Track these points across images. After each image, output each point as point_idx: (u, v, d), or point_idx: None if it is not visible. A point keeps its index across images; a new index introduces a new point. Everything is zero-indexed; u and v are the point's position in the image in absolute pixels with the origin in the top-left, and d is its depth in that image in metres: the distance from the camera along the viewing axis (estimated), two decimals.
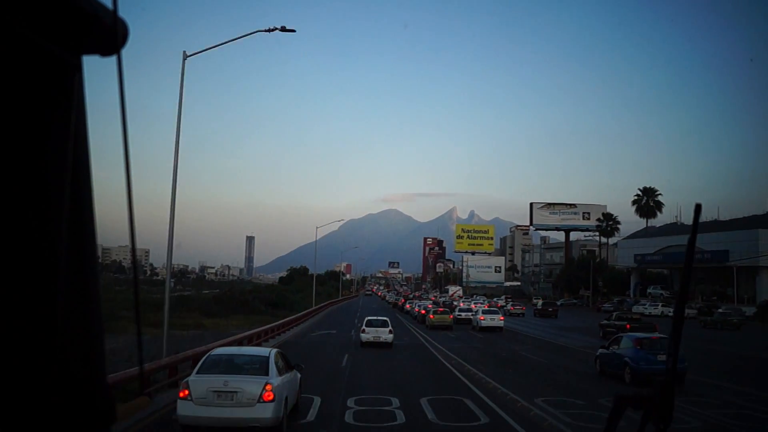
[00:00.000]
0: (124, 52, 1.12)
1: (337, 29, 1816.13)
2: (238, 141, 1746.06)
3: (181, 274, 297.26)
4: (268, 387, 11.77)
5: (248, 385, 11.85)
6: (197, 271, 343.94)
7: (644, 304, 69.04)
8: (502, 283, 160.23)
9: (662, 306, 65.95)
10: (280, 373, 12.81)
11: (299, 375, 14.72)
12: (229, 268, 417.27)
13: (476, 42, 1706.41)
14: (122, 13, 1.11)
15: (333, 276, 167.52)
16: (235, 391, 11.72)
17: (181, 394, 11.90)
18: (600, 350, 23.68)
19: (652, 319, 48.03)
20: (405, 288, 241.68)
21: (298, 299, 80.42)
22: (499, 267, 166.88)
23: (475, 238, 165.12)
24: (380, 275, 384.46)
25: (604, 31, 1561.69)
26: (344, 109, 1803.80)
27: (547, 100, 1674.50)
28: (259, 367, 12.60)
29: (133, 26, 1.15)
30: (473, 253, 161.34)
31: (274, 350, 14.13)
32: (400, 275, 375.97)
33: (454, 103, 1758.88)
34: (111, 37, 1.10)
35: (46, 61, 1.05)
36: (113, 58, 1.11)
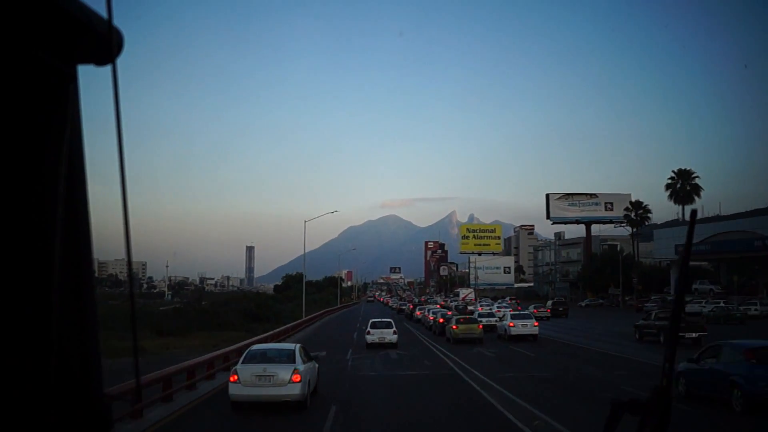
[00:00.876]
0: (119, 61, 1.10)
1: (334, 38, 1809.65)
2: (236, 151, 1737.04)
3: (179, 286, 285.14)
4: (296, 372, 15.19)
5: (281, 370, 15.25)
6: (197, 282, 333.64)
7: (700, 302, 57.04)
8: (512, 284, 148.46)
9: (723, 303, 53.85)
10: (304, 362, 16.20)
11: (317, 365, 17.99)
12: (228, 278, 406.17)
13: (472, 46, 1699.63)
14: (117, 22, 1.08)
15: (332, 282, 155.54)
16: (272, 375, 15.20)
17: (232, 379, 15.43)
18: (685, 364, 17.05)
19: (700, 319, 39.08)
20: (408, 293, 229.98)
21: (288, 309, 68.54)
22: (509, 268, 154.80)
23: (481, 237, 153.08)
24: (382, 281, 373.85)
25: (602, 33, 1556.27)
26: (341, 117, 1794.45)
27: (545, 101, 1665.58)
28: (288, 357, 16.10)
29: (128, 35, 1.14)
30: (480, 254, 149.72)
31: (298, 345, 17.91)
32: (402, 280, 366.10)
33: (450, 106, 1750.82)
34: (106, 47, 1.07)
35: (40, 70, 1.03)
36: (108, 68, 1.09)
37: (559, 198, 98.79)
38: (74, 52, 1.08)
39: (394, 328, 33.74)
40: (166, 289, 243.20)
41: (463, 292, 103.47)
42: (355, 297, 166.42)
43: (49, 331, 1.05)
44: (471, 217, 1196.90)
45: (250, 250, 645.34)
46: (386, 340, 32.45)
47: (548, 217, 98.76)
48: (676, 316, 1.91)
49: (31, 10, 0.97)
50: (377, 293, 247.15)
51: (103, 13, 1.06)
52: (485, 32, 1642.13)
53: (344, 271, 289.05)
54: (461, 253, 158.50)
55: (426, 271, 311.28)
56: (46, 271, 1.05)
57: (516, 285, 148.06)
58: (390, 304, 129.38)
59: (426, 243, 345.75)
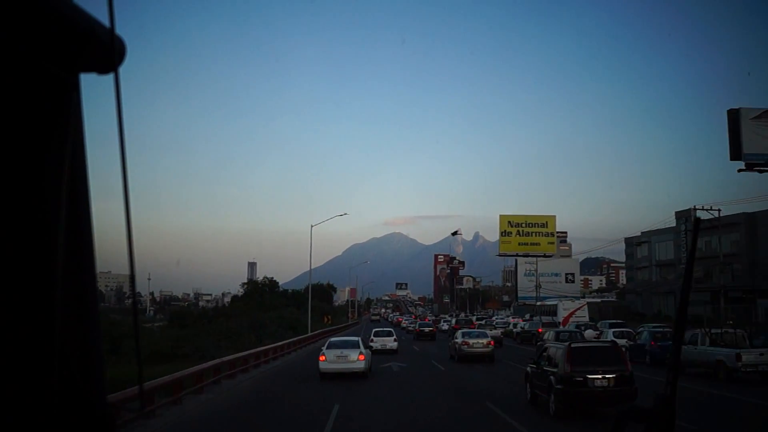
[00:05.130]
0: (121, 70, 1.06)
1: (336, 54, 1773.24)
2: (238, 167, 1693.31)
3: (165, 302, 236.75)
4: (361, 353, 23.27)
5: (352, 353, 23.21)
6: (192, 298, 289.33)
7: None
8: (577, 296, 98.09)
9: None
10: (364, 347, 24.39)
11: (370, 352, 25.96)
12: (223, 295, 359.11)
13: (475, 60, 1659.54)
14: (119, 30, 1.04)
15: (318, 293, 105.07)
16: (346, 356, 23.04)
17: (321, 359, 23.29)
18: None
19: None
20: (422, 310, 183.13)
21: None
22: (572, 275, 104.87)
23: (528, 234, 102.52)
24: (387, 298, 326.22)
25: (608, 46, 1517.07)
26: (343, 134, 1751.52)
27: (550, 116, 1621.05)
28: (354, 345, 24.05)
29: (130, 44, 1.10)
30: (526, 256, 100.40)
31: (359, 337, 26.40)
32: (410, 297, 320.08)
33: (453, 123, 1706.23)
34: (108, 55, 1.04)
35: (42, 79, 1.00)
36: (110, 76, 1.06)
37: (758, 117, 46.69)
38: (77, 61, 1.03)
39: (395, 336, 37.19)
40: (147, 305, 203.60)
41: (567, 307, 53.17)
42: (352, 316, 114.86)
43: (52, 338, 1.02)
44: (476, 236, 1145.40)
45: (252, 266, 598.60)
46: (388, 347, 35.15)
47: (736, 155, 45.32)
48: (679, 325, 1.88)
49: (34, 19, 0.93)
50: (383, 310, 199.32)
51: (106, 22, 1.02)
52: (488, 46, 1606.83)
53: (347, 288, 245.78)
54: (499, 255, 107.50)
55: (435, 286, 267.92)
56: (49, 280, 1.01)
57: (587, 298, 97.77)
58: (402, 323, 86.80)
59: (436, 256, 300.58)
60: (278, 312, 58.26)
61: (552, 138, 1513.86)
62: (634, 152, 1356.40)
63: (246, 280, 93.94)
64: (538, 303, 66.28)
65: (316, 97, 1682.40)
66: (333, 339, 26.09)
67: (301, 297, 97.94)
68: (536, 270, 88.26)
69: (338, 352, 23.21)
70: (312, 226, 44.15)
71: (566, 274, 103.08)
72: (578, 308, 53.06)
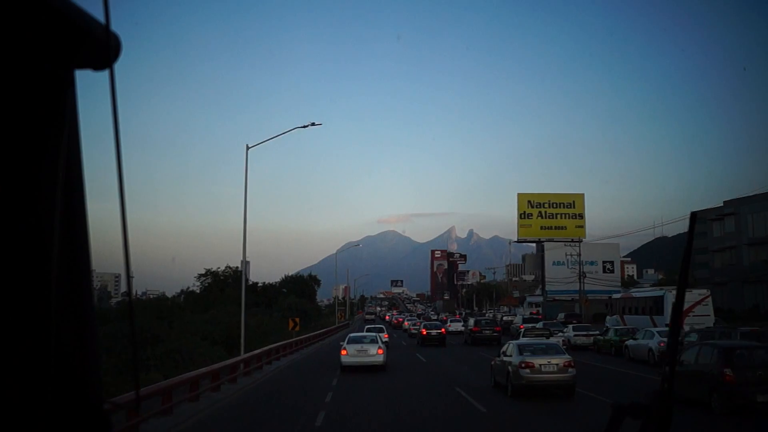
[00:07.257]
0: (117, 66, 1.05)
1: (331, 51, 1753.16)
2: (230, 166, 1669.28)
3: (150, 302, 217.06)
4: (380, 348, 24.56)
5: (371, 347, 24.51)
6: (181, 297, 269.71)
7: None
8: (619, 288, 77.78)
9: None
10: (382, 343, 26.18)
11: (386, 347, 27.34)
12: None
13: (471, 55, 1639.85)
14: (114, 27, 1.03)
15: (299, 289, 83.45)
16: (366, 350, 24.41)
17: (342, 353, 24.42)
18: None
19: None
20: (423, 308, 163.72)
21: None
22: (610, 263, 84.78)
23: (551, 216, 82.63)
24: (382, 296, 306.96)
25: (604, 41, 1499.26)
26: (338, 132, 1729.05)
27: (546, 112, 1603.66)
28: (373, 340, 25.28)
29: (125, 41, 1.09)
30: (550, 241, 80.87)
31: (379, 333, 28.58)
32: (405, 294, 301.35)
33: (447, 120, 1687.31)
34: (103, 51, 1.02)
35: (38, 75, 0.99)
36: (105, 73, 1.03)
37: None
38: (72, 57, 1.02)
39: (385, 332, 38.09)
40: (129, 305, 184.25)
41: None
42: (341, 317, 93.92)
43: (47, 338, 1.00)
44: (470, 233, 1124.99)
45: (245, 264, 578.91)
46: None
47: None
48: (676, 319, 1.86)
49: (29, 15, 0.92)
50: (378, 309, 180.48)
51: (101, 18, 1.00)
52: (485, 42, 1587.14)
53: (341, 286, 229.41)
54: (518, 241, 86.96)
55: (432, 283, 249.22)
56: (44, 279, 0.99)
57: (636, 291, 77.67)
58: (404, 325, 67.77)
59: (433, 252, 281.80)
60: (212, 314, 37.17)
61: (548, 134, 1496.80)
62: (631, 150, 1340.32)
63: (204, 271, 71.90)
64: (614, 296, 45.71)
65: (311, 93, 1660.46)
66: (353, 334, 26.83)
67: (274, 291, 76.93)
68: (579, 256, 67.41)
69: (358, 346, 24.49)
70: (248, 147, 26.95)
71: (604, 262, 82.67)
72: (699, 302, 32.87)
